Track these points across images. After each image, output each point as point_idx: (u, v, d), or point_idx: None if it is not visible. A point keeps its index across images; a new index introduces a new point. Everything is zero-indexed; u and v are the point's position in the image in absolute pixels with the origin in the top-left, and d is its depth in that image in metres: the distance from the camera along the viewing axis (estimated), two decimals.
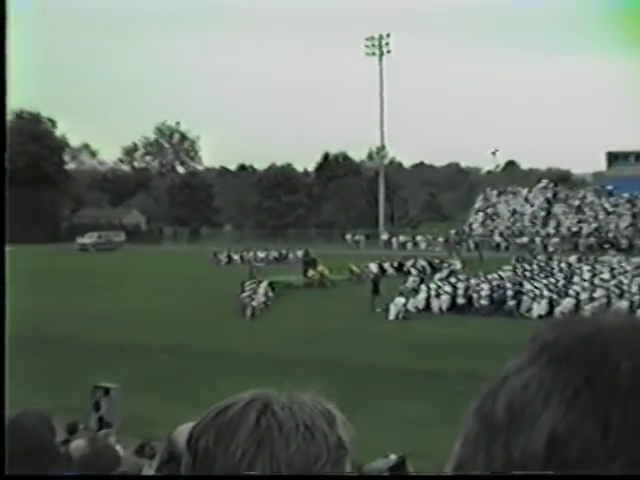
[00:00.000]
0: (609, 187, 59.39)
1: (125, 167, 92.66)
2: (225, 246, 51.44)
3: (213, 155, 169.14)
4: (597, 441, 0.55)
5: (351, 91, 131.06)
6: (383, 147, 73.27)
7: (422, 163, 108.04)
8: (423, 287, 28.29)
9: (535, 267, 35.81)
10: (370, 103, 78.27)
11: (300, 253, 46.98)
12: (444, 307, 26.26)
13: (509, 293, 26.73)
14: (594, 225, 55.26)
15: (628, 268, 33.03)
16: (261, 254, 48.75)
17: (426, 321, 24.04)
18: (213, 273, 38.87)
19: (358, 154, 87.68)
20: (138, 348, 19.20)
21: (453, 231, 59.12)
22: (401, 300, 25.17)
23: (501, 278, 30.50)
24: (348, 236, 62.07)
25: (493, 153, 71.40)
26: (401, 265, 39.34)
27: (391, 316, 24.56)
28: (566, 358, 0.58)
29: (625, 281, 28.64)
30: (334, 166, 76.14)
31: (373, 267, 36.65)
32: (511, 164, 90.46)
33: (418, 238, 58.90)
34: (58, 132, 74.63)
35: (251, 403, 0.89)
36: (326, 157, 78.43)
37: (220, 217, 79.16)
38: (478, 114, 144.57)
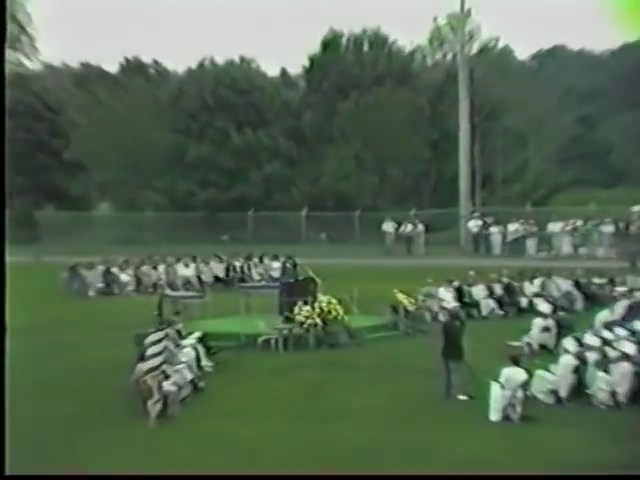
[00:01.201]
0: None
1: None
2: (99, 250, 52.71)
3: (67, 45, 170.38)
4: None
5: None
6: (468, 15, 73.27)
7: (560, 48, 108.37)
8: (569, 342, 28.20)
9: None
10: None
11: (276, 265, 47.11)
12: (622, 393, 25.95)
13: None
14: None
15: None
16: (185, 270, 49.53)
17: (577, 425, 23.88)
18: (70, 313, 39.71)
19: (406, 35, 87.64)
20: None
21: (637, 208, 59.84)
22: (518, 375, 24.86)
23: None
24: (387, 226, 63.21)
25: None
26: (511, 290, 39.93)
27: (494, 414, 24.53)
28: None
29: None
30: (351, 64, 76.24)
31: (446, 296, 37.57)
32: None
33: (552, 227, 59.84)
34: None
35: None
36: (329, 43, 78.50)
37: (86, 184, 79.30)
38: None
